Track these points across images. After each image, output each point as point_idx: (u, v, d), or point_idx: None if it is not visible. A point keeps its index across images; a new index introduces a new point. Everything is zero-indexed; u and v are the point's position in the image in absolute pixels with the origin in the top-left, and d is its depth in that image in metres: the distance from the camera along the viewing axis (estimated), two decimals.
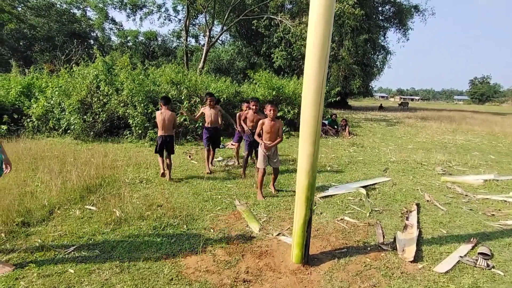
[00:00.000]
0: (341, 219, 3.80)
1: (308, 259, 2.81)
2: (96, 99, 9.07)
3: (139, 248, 2.96)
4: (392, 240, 3.25)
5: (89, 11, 37.24)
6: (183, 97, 9.09)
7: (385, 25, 31.02)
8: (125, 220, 3.51)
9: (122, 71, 9.59)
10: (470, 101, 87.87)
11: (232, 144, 8.49)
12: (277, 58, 18.16)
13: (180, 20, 32.13)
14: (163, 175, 5.23)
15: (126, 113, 9.12)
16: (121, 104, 9.33)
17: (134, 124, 8.73)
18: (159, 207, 3.98)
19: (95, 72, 9.39)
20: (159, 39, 40.32)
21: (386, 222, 3.75)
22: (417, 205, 4.25)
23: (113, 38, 40.49)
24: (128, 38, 39.64)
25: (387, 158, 7.39)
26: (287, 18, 16.70)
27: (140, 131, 8.78)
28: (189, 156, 6.97)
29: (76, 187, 4.39)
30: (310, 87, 2.50)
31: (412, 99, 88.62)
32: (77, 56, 22.65)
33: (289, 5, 29.18)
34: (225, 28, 18.87)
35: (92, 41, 37.88)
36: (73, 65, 10.18)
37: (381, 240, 3.23)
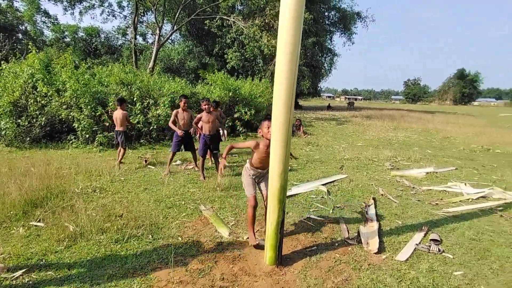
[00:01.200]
0: (308, 217, 3.91)
1: (281, 260, 2.84)
2: (32, 101, 8.13)
3: (101, 265, 2.71)
4: (356, 234, 3.44)
5: (16, 1, 33.25)
6: (135, 99, 8.58)
7: (331, 29, 32.74)
8: (81, 235, 3.19)
9: (64, 69, 8.73)
10: (404, 101, 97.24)
11: None
12: (231, 59, 18.12)
13: (125, 16, 30.26)
14: None
15: (70, 116, 8.34)
16: (64, 106, 8.51)
17: (80, 128, 8.01)
18: (119, 217, 3.69)
19: (30, 71, 8.41)
20: (102, 35, 37.52)
21: (348, 217, 3.96)
22: (374, 199, 4.56)
23: (47, 32, 36.66)
24: (66, 33, 36.25)
25: (341, 156, 7.82)
26: (240, 20, 16.75)
27: (87, 136, 8.08)
28: (145, 161, 6.60)
29: (17, 201, 3.87)
30: (281, 91, 2.52)
31: (355, 99, 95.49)
32: (4, 51, 20.08)
33: (240, 6, 29.40)
34: (176, 27, 18.23)
35: (20, 35, 33.83)
36: (1, 62, 8.98)
37: (346, 235, 3.40)
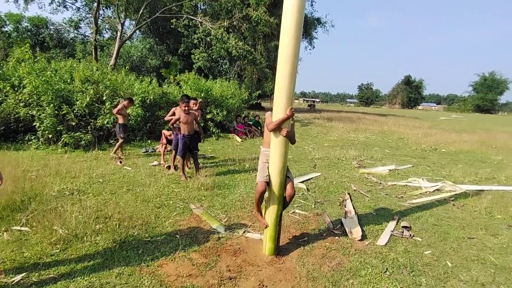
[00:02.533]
0: (294, 212, 4.20)
1: (279, 251, 3.09)
2: None
3: (104, 265, 2.72)
4: (340, 225, 3.81)
5: None
6: (105, 98, 8.24)
7: None
8: (76, 236, 3.13)
9: (22, 64, 8.10)
10: (359, 104, 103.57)
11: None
12: (198, 59, 17.94)
13: (79, 8, 28.26)
14: None
15: (29, 115, 7.78)
16: (22, 104, 7.91)
17: (42, 128, 7.49)
18: (108, 219, 3.65)
19: None
20: (51, 27, 34.63)
21: (329, 211, 4.33)
22: (349, 194, 5.01)
23: None
24: (8, 22, 32.87)
25: (312, 156, 8.29)
26: (207, 20, 16.70)
27: (50, 136, 7.59)
28: (120, 162, 6.43)
29: None
30: (281, 93, 2.77)
31: (313, 101, 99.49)
32: None
33: (203, 6, 29.17)
34: (139, 24, 17.60)
35: None
36: None
37: (331, 226, 3.75)
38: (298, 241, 3.37)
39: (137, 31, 30.01)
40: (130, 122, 8.43)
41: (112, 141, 8.19)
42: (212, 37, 16.50)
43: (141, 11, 16.98)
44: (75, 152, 7.30)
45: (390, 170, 6.77)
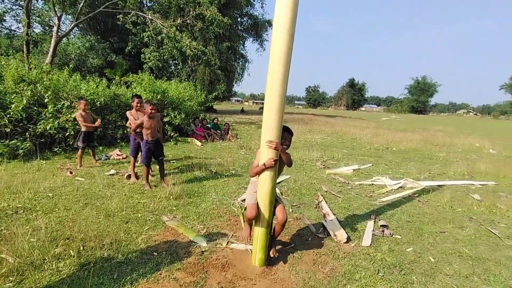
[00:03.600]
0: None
1: (269, 260, 2.93)
2: None
3: None
4: (322, 228, 3.79)
5: None
6: (46, 100, 7.26)
7: (244, 35, 34.00)
8: (31, 265, 2.61)
9: None
10: (307, 106, 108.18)
11: (117, 155, 7.51)
12: (149, 59, 16.94)
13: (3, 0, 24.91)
14: None
15: None
16: None
17: None
18: (69, 240, 3.15)
19: None
20: None
21: (308, 214, 4.30)
22: (322, 196, 5.06)
23: None
24: None
25: None
26: (158, 17, 15.88)
27: None
28: (70, 173, 5.70)
29: None
30: (274, 95, 2.62)
31: (263, 103, 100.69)
32: None
33: (149, 3, 27.79)
34: (78, 19, 15.99)
35: None
36: None
37: (314, 230, 3.71)
38: (286, 248, 3.26)
39: (76, 28, 27.49)
40: (77, 127, 7.49)
41: (56, 149, 7.24)
42: (164, 35, 15.71)
43: (81, 4, 15.46)
44: (12, 163, 6.31)
45: (354, 169, 7.05)
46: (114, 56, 26.34)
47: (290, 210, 4.43)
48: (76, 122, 7.25)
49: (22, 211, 3.88)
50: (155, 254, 3.00)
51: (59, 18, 14.63)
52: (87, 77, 10.40)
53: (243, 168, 6.98)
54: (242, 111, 35.81)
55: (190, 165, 6.86)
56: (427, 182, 6.10)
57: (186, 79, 23.67)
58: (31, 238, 3.09)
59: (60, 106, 7.42)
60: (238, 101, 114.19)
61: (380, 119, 36.16)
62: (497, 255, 3.28)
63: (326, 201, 4.79)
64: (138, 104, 5.76)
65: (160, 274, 2.64)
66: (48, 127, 6.92)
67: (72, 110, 7.61)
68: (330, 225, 3.82)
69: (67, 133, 7.22)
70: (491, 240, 3.67)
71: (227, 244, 3.28)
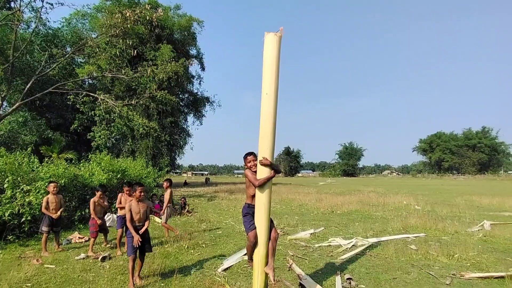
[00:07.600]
0: None
1: None
2: None
3: None
4: (300, 287, 4.41)
5: None
6: (6, 186, 6.95)
7: (186, 110, 35.88)
8: None
9: None
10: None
11: (79, 238, 7.26)
12: (99, 137, 16.88)
13: None
14: None
15: None
16: None
17: None
18: None
19: None
20: None
21: (284, 276, 4.89)
22: (291, 259, 5.72)
23: None
24: None
25: (237, 229, 8.80)
26: (111, 98, 16.50)
27: None
28: (37, 260, 5.42)
29: None
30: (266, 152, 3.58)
31: (202, 174, 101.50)
32: None
33: (91, 81, 28.35)
34: (23, 99, 15.61)
35: None
36: None
37: None
38: None
39: (5, 103, 26.02)
40: (34, 211, 7.15)
41: (10, 237, 6.70)
42: (115, 115, 16.19)
43: (28, 85, 15.34)
44: None
45: (310, 234, 7.93)
46: (51, 132, 25.11)
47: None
48: (32, 206, 6.97)
49: None
50: None
51: (3, 98, 14.19)
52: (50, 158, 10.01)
53: (212, 240, 7.33)
54: (186, 184, 35.33)
55: (159, 242, 6.97)
56: (373, 239, 7.26)
57: (129, 155, 23.39)
58: None
59: (18, 190, 7.12)
60: (176, 173, 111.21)
61: (318, 184, 39.23)
62: None
63: (296, 264, 5.46)
64: (141, 193, 4.82)
65: None
66: (7, 214, 6.49)
67: (27, 194, 7.32)
68: (307, 283, 4.46)
69: (23, 219, 6.82)
70: (431, 280, 4.71)
71: None
